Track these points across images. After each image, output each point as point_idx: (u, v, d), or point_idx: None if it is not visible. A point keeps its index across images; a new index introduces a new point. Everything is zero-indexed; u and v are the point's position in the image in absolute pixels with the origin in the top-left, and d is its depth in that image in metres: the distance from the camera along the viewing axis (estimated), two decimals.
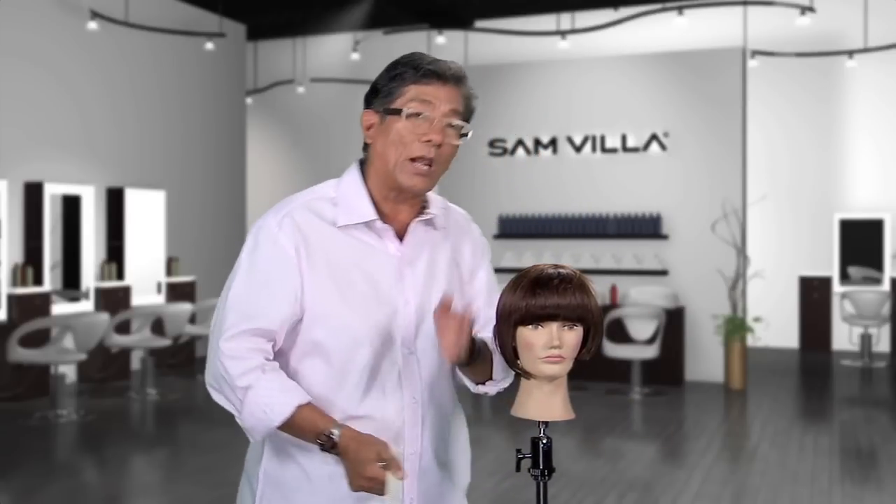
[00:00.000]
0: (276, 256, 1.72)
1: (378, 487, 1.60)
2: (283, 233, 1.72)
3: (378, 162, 1.77)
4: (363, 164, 1.83)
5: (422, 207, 1.83)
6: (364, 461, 1.60)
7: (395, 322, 1.76)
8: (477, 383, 1.84)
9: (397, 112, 1.73)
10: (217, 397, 1.75)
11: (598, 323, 1.64)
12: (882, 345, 10.87)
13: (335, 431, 1.64)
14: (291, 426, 1.69)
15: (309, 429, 1.67)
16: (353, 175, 1.81)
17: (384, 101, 1.77)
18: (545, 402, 1.63)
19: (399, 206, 1.80)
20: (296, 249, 1.72)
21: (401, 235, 1.80)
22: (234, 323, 1.71)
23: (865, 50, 10.36)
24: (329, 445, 1.65)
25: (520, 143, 10.02)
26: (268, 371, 1.69)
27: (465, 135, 1.78)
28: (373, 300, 1.75)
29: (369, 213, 1.76)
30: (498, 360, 1.79)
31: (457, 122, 1.75)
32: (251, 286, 1.72)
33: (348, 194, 1.78)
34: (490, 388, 1.84)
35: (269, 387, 1.68)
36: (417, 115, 1.72)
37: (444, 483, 1.84)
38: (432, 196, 1.87)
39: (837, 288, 11.11)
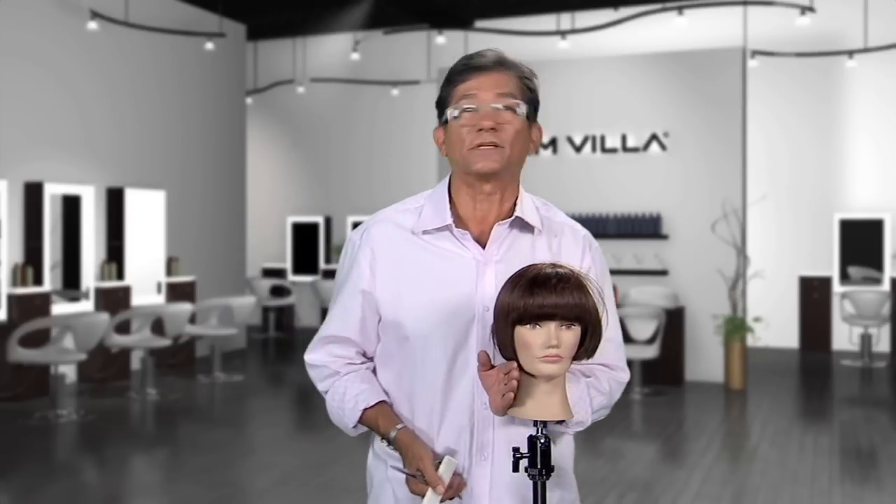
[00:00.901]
0: (351, 269, 1.85)
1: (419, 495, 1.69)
2: (361, 247, 1.84)
3: (454, 166, 1.82)
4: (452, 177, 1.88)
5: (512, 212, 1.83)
6: (408, 474, 1.71)
7: (471, 327, 1.76)
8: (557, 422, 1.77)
9: (450, 118, 1.79)
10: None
11: (596, 322, 1.64)
12: (882, 345, 10.87)
13: (391, 435, 1.75)
14: (365, 425, 1.82)
15: (375, 430, 1.81)
16: (442, 184, 1.87)
17: (442, 114, 1.82)
18: (543, 402, 1.63)
19: (487, 209, 1.80)
20: (370, 262, 1.82)
21: (485, 242, 1.81)
22: (317, 334, 1.90)
23: (865, 50, 10.37)
24: (392, 447, 1.76)
25: None
26: (343, 375, 1.85)
27: (522, 113, 1.77)
28: (447, 307, 1.76)
29: (445, 218, 1.79)
30: (579, 395, 1.76)
31: (506, 102, 1.75)
32: (334, 297, 1.89)
33: (433, 202, 1.84)
34: (565, 428, 1.79)
35: (342, 391, 1.83)
36: (466, 109, 1.76)
37: (521, 491, 1.80)
38: (528, 198, 1.86)
39: (837, 288, 11.12)
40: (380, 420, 1.77)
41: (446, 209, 1.80)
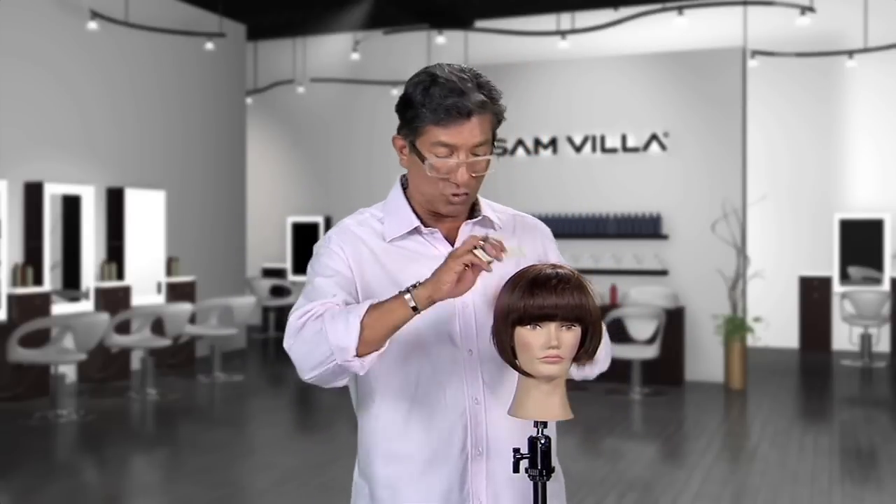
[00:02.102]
0: (332, 259, 1.77)
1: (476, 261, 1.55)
2: (340, 245, 1.79)
3: (415, 189, 1.80)
4: (405, 179, 1.87)
5: (472, 210, 1.85)
6: (447, 269, 1.57)
7: (453, 325, 1.77)
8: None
9: (422, 157, 1.73)
10: (308, 370, 1.67)
11: (597, 323, 1.64)
12: (882, 345, 10.87)
13: (407, 295, 1.59)
14: (374, 319, 1.61)
15: (388, 308, 1.61)
16: (395, 192, 1.86)
17: (409, 133, 1.75)
18: (543, 402, 1.63)
19: (446, 217, 1.82)
20: (346, 257, 1.77)
21: (453, 239, 1.82)
22: (290, 319, 1.70)
23: (865, 50, 10.36)
24: (414, 303, 1.59)
25: (520, 143, 10.02)
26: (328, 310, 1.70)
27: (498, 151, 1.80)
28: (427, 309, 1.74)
29: (412, 221, 1.80)
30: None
31: (482, 153, 1.73)
32: (313, 283, 1.75)
33: (392, 210, 1.83)
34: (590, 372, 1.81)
35: (332, 314, 1.64)
36: (441, 156, 1.71)
37: (523, 489, 1.79)
38: (482, 199, 1.88)
39: (837, 288, 11.11)
40: (385, 304, 1.61)
41: (409, 213, 1.81)
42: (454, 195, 1.73)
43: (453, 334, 1.77)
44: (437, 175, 1.72)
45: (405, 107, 1.74)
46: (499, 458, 1.76)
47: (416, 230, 1.80)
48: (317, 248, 1.83)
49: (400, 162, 1.81)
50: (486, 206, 1.88)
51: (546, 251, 1.92)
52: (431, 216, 1.82)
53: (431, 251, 1.80)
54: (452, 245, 1.80)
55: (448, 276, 1.56)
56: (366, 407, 1.83)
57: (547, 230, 1.98)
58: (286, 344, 1.70)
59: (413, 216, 1.80)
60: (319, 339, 1.63)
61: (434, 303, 1.60)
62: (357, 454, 1.89)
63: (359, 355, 1.61)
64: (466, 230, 1.82)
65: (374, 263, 1.79)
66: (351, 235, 1.81)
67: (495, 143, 1.79)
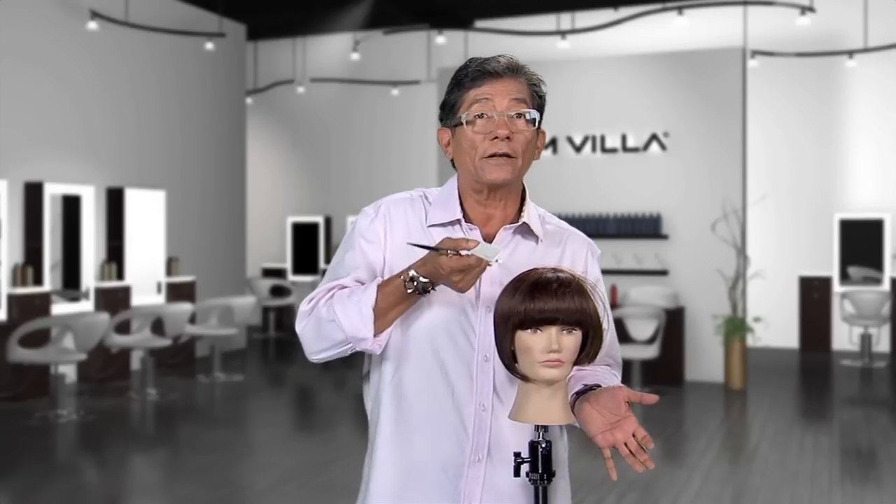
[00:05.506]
0: (367, 229, 1.81)
1: (470, 271, 1.59)
2: (378, 217, 1.82)
3: (462, 171, 1.81)
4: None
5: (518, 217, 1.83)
6: (442, 266, 1.61)
7: (469, 326, 1.76)
8: None
9: (462, 122, 1.77)
10: (318, 351, 1.79)
11: (597, 327, 1.64)
12: (882, 345, 10.87)
13: (410, 272, 1.66)
14: (386, 302, 1.70)
15: (397, 292, 1.69)
16: (451, 182, 1.87)
17: (450, 116, 1.80)
18: (544, 406, 1.63)
19: (491, 213, 1.81)
20: (385, 232, 1.80)
21: (491, 241, 1.81)
22: (316, 290, 1.81)
23: (865, 50, 10.37)
24: (420, 286, 1.66)
25: None
26: (343, 286, 1.78)
27: (534, 121, 1.77)
28: (450, 301, 1.76)
29: (455, 213, 1.80)
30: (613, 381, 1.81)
31: (521, 110, 1.75)
32: (342, 253, 1.84)
33: (443, 198, 1.84)
34: None
35: (347, 293, 1.75)
36: (480, 116, 1.75)
37: (518, 497, 1.79)
38: (533, 207, 1.87)
39: (837, 288, 11.12)
40: (394, 279, 1.68)
41: (456, 205, 1.81)
42: (496, 154, 1.73)
43: (470, 338, 1.76)
44: (477, 131, 1.74)
45: (447, 95, 1.80)
46: (496, 466, 1.76)
47: (457, 222, 1.80)
48: (364, 216, 1.84)
49: (445, 156, 1.84)
50: (533, 214, 1.85)
51: (587, 268, 1.88)
52: (478, 210, 1.81)
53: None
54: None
55: (447, 264, 1.59)
56: (377, 401, 1.84)
57: (597, 250, 1.94)
58: (298, 328, 1.80)
59: (458, 209, 1.80)
60: (333, 328, 1.72)
61: (434, 287, 1.66)
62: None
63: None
64: (504, 235, 1.80)
65: (404, 246, 1.78)
66: (395, 213, 1.82)
67: (541, 125, 1.80)
